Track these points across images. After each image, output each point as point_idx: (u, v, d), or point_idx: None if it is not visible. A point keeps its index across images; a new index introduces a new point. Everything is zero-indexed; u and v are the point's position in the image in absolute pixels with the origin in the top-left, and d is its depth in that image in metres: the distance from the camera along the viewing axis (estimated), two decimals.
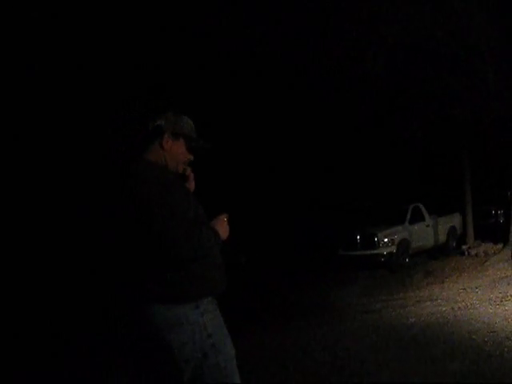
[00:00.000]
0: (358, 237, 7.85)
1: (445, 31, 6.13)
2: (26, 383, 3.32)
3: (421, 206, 8.60)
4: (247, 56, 6.64)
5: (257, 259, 8.27)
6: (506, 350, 2.69)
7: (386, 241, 7.70)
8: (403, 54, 6.32)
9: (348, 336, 3.50)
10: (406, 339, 3.18)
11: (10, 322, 4.38)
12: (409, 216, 8.26)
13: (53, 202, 5.66)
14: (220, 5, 6.23)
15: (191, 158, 1.46)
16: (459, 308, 4.08)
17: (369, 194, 10.21)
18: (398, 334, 3.36)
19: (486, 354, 2.65)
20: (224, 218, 1.40)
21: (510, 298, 4.13)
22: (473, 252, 7.53)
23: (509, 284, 4.83)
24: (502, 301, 4.06)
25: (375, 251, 7.66)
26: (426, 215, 8.58)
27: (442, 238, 8.76)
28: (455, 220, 9.08)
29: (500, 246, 7.29)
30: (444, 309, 4.18)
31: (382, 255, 7.63)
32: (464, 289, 5.12)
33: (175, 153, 1.40)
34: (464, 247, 8.03)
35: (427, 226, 8.52)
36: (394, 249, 7.69)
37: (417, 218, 8.40)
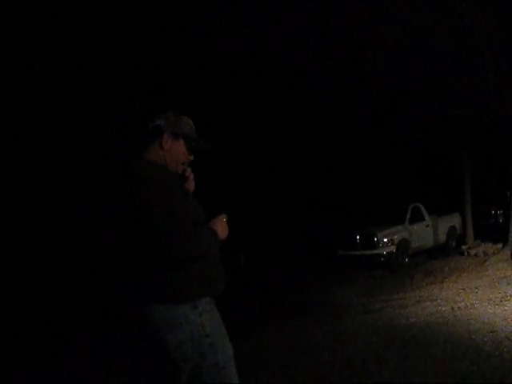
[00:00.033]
0: (358, 237, 7.86)
1: (445, 31, 6.13)
2: (26, 383, 3.32)
3: (420, 205, 8.61)
4: (247, 56, 6.64)
5: (257, 259, 8.27)
6: (505, 349, 2.70)
7: (386, 241, 7.70)
8: (403, 54, 6.32)
9: (348, 336, 3.50)
10: (405, 339, 3.18)
11: (10, 321, 4.37)
12: (408, 216, 8.27)
13: (53, 202, 5.66)
14: (220, 5, 6.23)
15: (191, 158, 1.46)
16: (459, 308, 4.08)
17: (368, 194, 10.21)
18: (398, 334, 3.37)
19: (485, 353, 2.66)
20: (223, 219, 1.40)
21: (509, 298, 4.14)
22: (472, 252, 7.54)
23: (508, 284, 4.84)
24: (501, 301, 4.07)
25: (375, 251, 7.67)
26: (426, 215, 8.59)
27: (442, 237, 8.76)
28: (455, 220, 9.08)
29: (499, 246, 7.29)
30: (444, 309, 4.18)
31: (382, 255, 7.64)
32: (463, 289, 5.12)
33: (175, 153, 1.40)
34: (464, 247, 8.03)
35: (427, 225, 8.53)
36: (393, 249, 7.70)
37: (416, 217, 8.40)
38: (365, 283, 6.99)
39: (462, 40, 6.16)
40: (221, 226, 1.38)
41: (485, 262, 6.73)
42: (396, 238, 7.81)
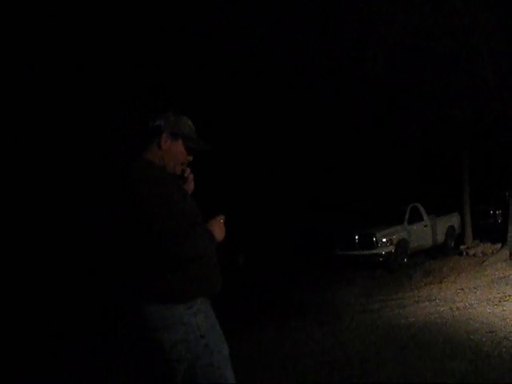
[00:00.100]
0: (357, 237, 7.86)
1: (445, 31, 6.13)
2: (26, 383, 3.32)
3: (419, 205, 8.62)
4: (247, 56, 6.63)
5: (255, 259, 8.28)
6: (504, 350, 2.71)
7: (385, 241, 7.71)
8: (403, 54, 6.31)
9: (347, 336, 3.51)
10: (404, 339, 3.19)
11: (10, 321, 4.37)
12: (407, 216, 8.27)
13: (53, 202, 5.65)
14: (220, 5, 6.22)
15: (190, 158, 1.46)
16: (457, 308, 4.09)
17: (368, 194, 10.22)
18: (397, 334, 3.38)
19: (484, 353, 2.67)
20: (221, 220, 1.41)
21: (508, 298, 4.15)
22: (471, 252, 7.55)
23: (507, 284, 4.85)
24: (500, 301, 4.08)
25: (374, 251, 7.67)
26: (425, 215, 8.60)
27: (441, 238, 8.77)
28: (454, 220, 9.10)
29: (498, 246, 7.31)
30: (442, 309, 4.20)
31: (381, 255, 7.64)
32: (462, 289, 5.14)
33: (173, 153, 1.40)
34: (462, 247, 8.05)
35: (426, 226, 8.54)
36: (392, 249, 7.70)
37: (415, 217, 8.41)
38: (363, 283, 7.00)
39: (461, 40, 6.16)
40: (218, 227, 1.38)
41: (483, 262, 6.75)
42: (395, 238, 7.82)
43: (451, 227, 8.99)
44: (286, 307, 5.74)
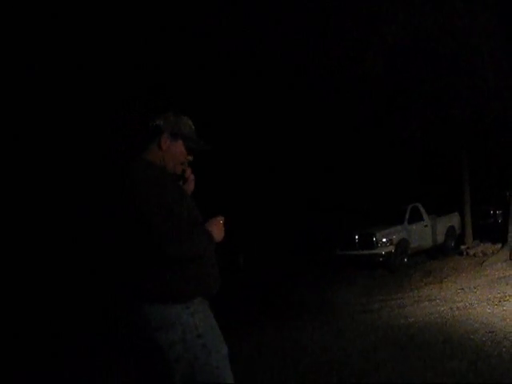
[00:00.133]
0: (357, 236, 7.86)
1: (445, 31, 6.13)
2: (26, 383, 3.32)
3: (419, 205, 8.61)
4: (247, 56, 6.63)
5: (255, 259, 8.28)
6: (504, 350, 2.71)
7: (385, 241, 7.70)
8: (403, 54, 6.31)
9: (347, 336, 3.51)
10: (404, 339, 3.19)
11: (10, 321, 4.37)
12: (407, 216, 8.27)
13: (52, 202, 5.65)
14: (220, 5, 6.22)
15: (190, 158, 1.46)
16: (458, 308, 4.09)
17: (368, 194, 10.22)
18: (397, 334, 3.38)
19: (484, 353, 2.67)
20: (220, 221, 1.41)
21: (508, 298, 4.15)
22: (471, 252, 7.55)
23: (507, 284, 4.85)
24: (500, 301, 4.08)
25: (374, 251, 7.67)
26: (425, 215, 8.59)
27: (441, 238, 8.77)
28: (454, 220, 9.09)
29: (498, 246, 7.30)
30: (442, 309, 4.19)
31: (381, 255, 7.64)
32: (462, 289, 5.14)
33: (173, 153, 1.40)
34: (463, 247, 8.04)
35: (426, 226, 8.53)
36: (392, 249, 7.70)
37: (415, 217, 8.41)
38: (364, 283, 7.00)
39: (461, 40, 6.16)
40: (216, 228, 1.38)
41: (484, 262, 6.75)
42: (395, 238, 7.81)
43: (451, 227, 8.98)
44: (285, 307, 5.74)
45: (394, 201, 8.94)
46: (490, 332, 3.10)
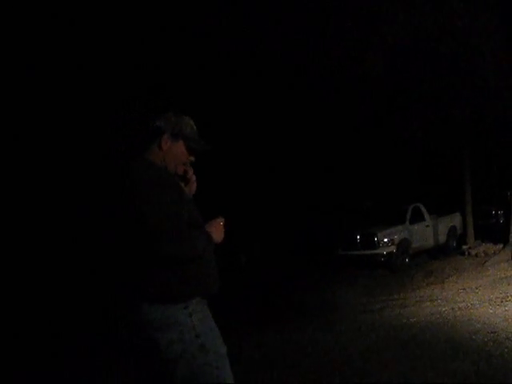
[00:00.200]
0: (358, 236, 7.85)
1: (445, 31, 6.13)
2: (26, 383, 3.32)
3: (421, 205, 8.60)
4: (247, 56, 6.64)
5: (257, 260, 8.26)
6: (506, 350, 2.69)
7: (386, 241, 7.69)
8: (403, 54, 6.31)
9: (348, 336, 3.50)
10: (406, 339, 3.18)
11: (10, 321, 4.37)
12: (409, 216, 8.25)
13: (53, 202, 5.66)
14: (220, 5, 6.23)
15: (192, 159, 1.46)
16: (459, 308, 4.08)
17: (369, 194, 10.21)
18: (398, 334, 3.36)
19: (486, 354, 2.65)
20: (220, 222, 1.41)
21: (510, 298, 4.13)
22: (473, 252, 7.52)
23: (509, 284, 4.83)
24: (502, 301, 4.06)
25: (375, 251, 7.65)
26: (426, 215, 8.58)
27: (442, 238, 8.75)
28: (455, 220, 9.07)
29: (500, 246, 7.28)
30: (444, 309, 4.18)
31: (382, 255, 7.62)
32: (464, 289, 5.12)
33: (174, 154, 1.40)
34: (464, 247, 8.02)
35: (427, 226, 8.51)
36: (393, 249, 7.68)
37: (417, 217, 8.39)
38: (365, 283, 6.98)
39: (461, 40, 6.16)
40: (216, 229, 1.38)
41: (485, 262, 6.73)
42: (396, 238, 7.80)
43: (453, 227, 8.96)
44: (286, 307, 5.73)
45: (395, 201, 8.93)
46: (491, 332, 3.09)
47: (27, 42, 5.45)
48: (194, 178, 1.48)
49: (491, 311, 3.75)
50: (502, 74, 6.31)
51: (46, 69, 5.56)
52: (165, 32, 6.19)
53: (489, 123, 7.09)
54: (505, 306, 3.83)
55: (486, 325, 3.31)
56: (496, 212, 10.22)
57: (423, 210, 8.58)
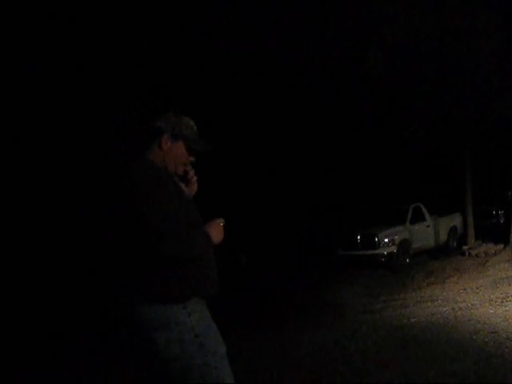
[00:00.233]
0: (359, 237, 7.83)
1: (446, 31, 6.13)
2: (26, 383, 3.32)
3: (422, 206, 8.58)
4: (247, 56, 6.64)
5: (257, 260, 8.26)
6: (506, 350, 2.69)
7: (387, 241, 7.68)
8: (403, 54, 6.31)
9: (348, 336, 3.49)
10: (406, 339, 3.17)
11: (10, 321, 4.38)
12: (409, 216, 8.24)
13: (53, 202, 5.66)
14: (220, 5, 6.24)
15: (192, 159, 1.46)
16: (460, 308, 4.07)
17: (369, 194, 10.19)
18: (399, 334, 3.36)
19: (486, 354, 2.65)
20: (220, 223, 1.41)
21: (510, 298, 4.12)
22: (473, 252, 7.51)
23: (510, 284, 4.82)
24: (502, 301, 4.05)
25: (376, 251, 7.64)
26: (427, 215, 8.56)
27: (443, 238, 8.73)
28: (456, 220, 9.05)
29: (501, 246, 7.27)
30: (445, 309, 4.17)
31: (383, 255, 7.61)
32: (465, 289, 5.11)
33: (174, 154, 1.40)
34: (465, 247, 8.00)
35: (428, 226, 8.50)
36: (394, 249, 7.67)
37: (418, 218, 8.38)
38: (365, 283, 6.97)
39: (463, 40, 6.15)
40: (215, 230, 1.38)
41: (486, 262, 6.71)
42: (397, 238, 7.78)
43: (453, 227, 8.95)
44: (287, 307, 5.72)
45: (396, 201, 8.91)
46: (492, 332, 3.08)
47: (27, 42, 5.45)
48: (194, 178, 1.48)
49: (492, 311, 3.74)
50: (503, 73, 6.30)
51: (47, 69, 5.57)
52: (165, 32, 6.20)
53: (490, 123, 7.08)
54: (505, 307, 3.82)
55: (486, 325, 3.30)
56: (497, 212, 10.20)
57: (424, 210, 8.57)
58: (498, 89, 6.37)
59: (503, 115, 6.70)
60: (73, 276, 5.29)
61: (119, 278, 1.36)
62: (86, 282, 5.07)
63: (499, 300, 4.12)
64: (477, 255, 7.34)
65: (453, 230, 8.93)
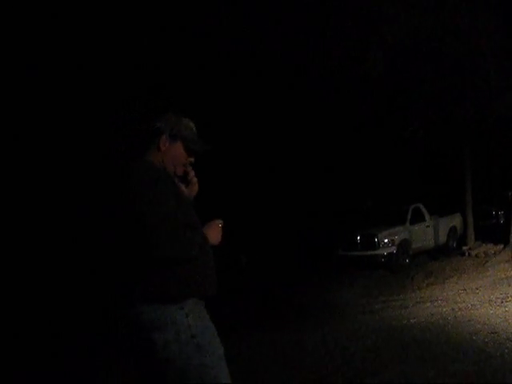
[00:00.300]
0: (359, 237, 7.83)
1: (446, 31, 6.12)
2: (26, 383, 3.32)
3: (421, 206, 8.58)
4: (247, 56, 6.64)
5: (257, 260, 8.26)
6: (506, 351, 2.69)
7: (387, 241, 7.68)
8: (403, 54, 6.31)
9: (348, 336, 3.49)
10: (406, 340, 3.17)
11: (10, 321, 4.38)
12: (409, 216, 8.24)
13: (53, 202, 5.66)
14: (220, 5, 6.24)
15: (191, 160, 1.46)
16: (460, 309, 4.07)
17: (369, 195, 10.19)
18: (399, 335, 3.36)
19: (486, 354, 2.65)
20: (218, 224, 1.41)
21: (510, 298, 4.13)
22: (473, 253, 7.51)
23: (509, 285, 4.82)
24: (502, 302, 4.05)
25: (375, 252, 7.64)
26: (427, 216, 8.56)
27: (443, 238, 8.73)
28: (456, 220, 9.05)
29: (500, 246, 7.26)
30: (444, 309, 4.17)
31: (383, 256, 7.61)
32: (464, 289, 5.11)
33: (173, 154, 1.41)
34: (464, 248, 8.00)
35: (428, 226, 8.50)
36: (394, 249, 7.67)
37: (417, 218, 8.37)
38: (365, 284, 6.97)
39: (463, 40, 6.14)
40: (213, 231, 1.39)
41: (486, 262, 6.71)
42: (397, 238, 7.78)
43: (453, 228, 8.94)
44: (287, 308, 5.72)
45: (395, 201, 8.92)
46: (492, 333, 3.08)
47: (28, 42, 5.45)
48: (195, 179, 1.48)
49: (491, 312, 3.74)
50: (504, 73, 6.30)
51: (47, 69, 5.57)
52: (165, 32, 6.20)
53: (490, 123, 7.08)
54: (505, 307, 3.82)
55: (486, 325, 3.30)
56: (496, 212, 10.20)
57: (424, 210, 8.57)
58: (497, 89, 6.36)
59: (503, 115, 6.70)
60: (73, 276, 5.29)
61: (119, 277, 1.37)
62: (85, 282, 5.07)
63: (499, 300, 4.12)
64: (476, 256, 7.33)
65: (452, 230, 8.92)
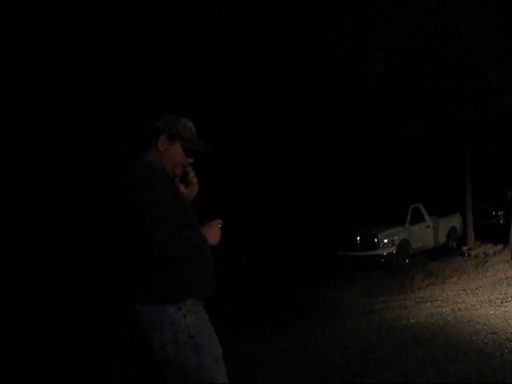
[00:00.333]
0: (358, 237, 7.84)
1: (446, 31, 6.12)
2: (26, 383, 3.32)
3: (421, 206, 8.58)
4: (247, 56, 6.65)
5: (257, 261, 8.26)
6: (506, 351, 2.69)
7: (386, 241, 7.68)
8: (404, 53, 6.31)
9: (348, 336, 3.50)
10: (406, 340, 3.17)
11: (10, 321, 4.38)
12: (409, 217, 8.24)
13: (53, 202, 5.66)
14: (220, 5, 6.24)
15: (190, 160, 1.46)
16: (459, 309, 4.07)
17: (369, 195, 10.19)
18: (398, 335, 3.36)
19: (486, 355, 2.65)
20: (217, 224, 1.41)
21: (510, 299, 4.12)
22: (473, 253, 7.51)
23: (509, 285, 4.82)
24: (502, 302, 4.05)
25: (375, 252, 7.64)
26: (427, 216, 8.56)
27: (443, 238, 8.73)
28: (455, 221, 9.05)
29: (500, 247, 7.26)
30: (444, 310, 4.17)
31: (382, 256, 7.61)
32: (464, 290, 5.11)
33: (171, 155, 1.41)
34: (464, 248, 8.00)
35: (427, 226, 8.50)
36: (394, 249, 7.67)
37: (417, 218, 8.37)
38: (365, 284, 6.97)
39: (463, 40, 6.14)
40: (211, 232, 1.38)
41: (485, 263, 6.71)
42: (396, 238, 7.78)
43: (453, 228, 8.94)
44: (287, 308, 5.73)
45: (395, 201, 8.92)
46: (492, 333, 3.08)
47: (28, 42, 5.45)
48: (195, 179, 1.48)
49: (491, 312, 3.74)
50: (504, 73, 6.30)
51: (47, 69, 5.57)
52: (165, 32, 6.20)
53: (490, 123, 7.08)
54: (505, 307, 3.82)
55: (486, 326, 3.30)
56: (496, 213, 10.20)
57: (423, 210, 8.56)
58: (497, 89, 6.36)
59: (503, 115, 6.70)
60: (73, 276, 5.29)
61: (119, 277, 1.37)
62: (86, 282, 5.07)
63: (499, 301, 4.12)
64: (476, 256, 7.33)
65: (452, 230, 8.92)
